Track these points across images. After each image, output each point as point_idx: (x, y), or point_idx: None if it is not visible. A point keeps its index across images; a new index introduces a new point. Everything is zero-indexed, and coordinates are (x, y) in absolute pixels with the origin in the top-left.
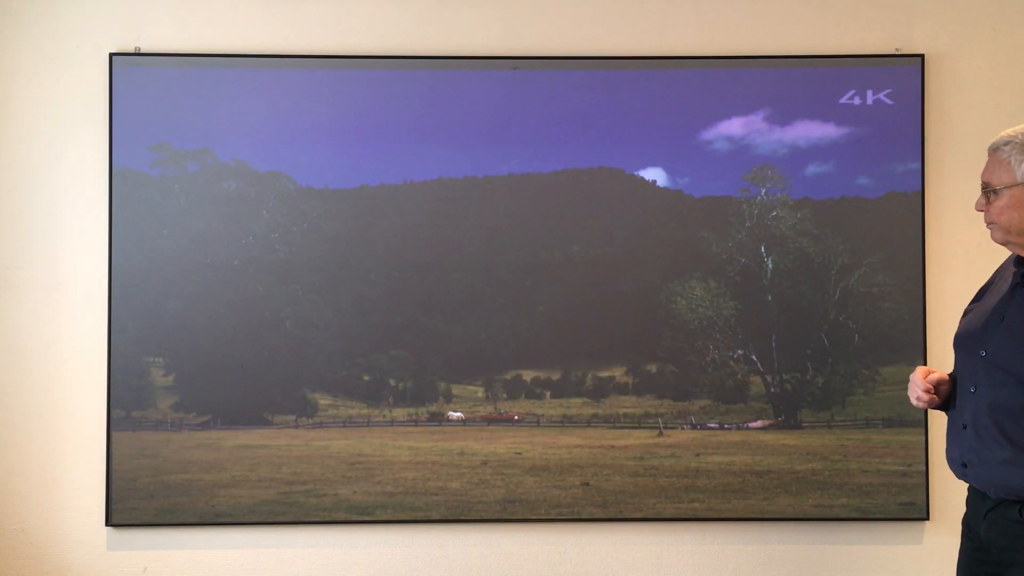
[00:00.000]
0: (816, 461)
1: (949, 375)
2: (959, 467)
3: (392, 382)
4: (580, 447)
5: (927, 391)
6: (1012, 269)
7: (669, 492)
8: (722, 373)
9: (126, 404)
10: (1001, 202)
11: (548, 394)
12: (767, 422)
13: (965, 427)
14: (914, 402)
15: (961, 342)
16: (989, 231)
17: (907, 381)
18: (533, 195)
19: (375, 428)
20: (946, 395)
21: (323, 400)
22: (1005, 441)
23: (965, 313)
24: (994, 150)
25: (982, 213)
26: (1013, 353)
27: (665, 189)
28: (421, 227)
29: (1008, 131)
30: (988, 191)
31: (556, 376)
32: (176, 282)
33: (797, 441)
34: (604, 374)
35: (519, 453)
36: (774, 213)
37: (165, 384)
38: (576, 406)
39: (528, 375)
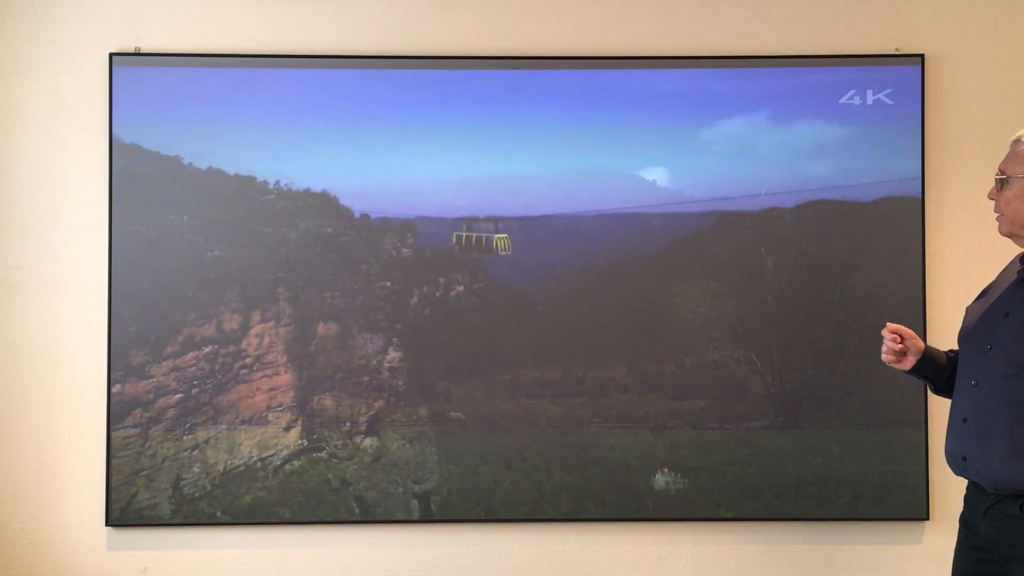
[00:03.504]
0: (816, 461)
1: (948, 352)
2: (958, 461)
3: (392, 382)
4: (580, 447)
5: (893, 340)
6: (1018, 266)
7: (670, 492)
8: (722, 373)
9: (126, 404)
10: (1011, 192)
11: (548, 394)
12: (767, 422)
13: (965, 421)
14: (884, 356)
15: (966, 337)
16: (997, 224)
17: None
18: (534, 196)
19: (375, 428)
20: (927, 359)
21: (324, 400)
22: (1008, 435)
23: (968, 311)
24: (1015, 142)
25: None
26: (1019, 347)
27: (666, 189)
28: (421, 227)
29: None
30: (1002, 180)
31: (556, 376)
32: (176, 282)
33: (797, 441)
34: (604, 374)
35: (519, 453)
36: (774, 213)
37: (165, 384)
38: (576, 406)
39: (528, 375)
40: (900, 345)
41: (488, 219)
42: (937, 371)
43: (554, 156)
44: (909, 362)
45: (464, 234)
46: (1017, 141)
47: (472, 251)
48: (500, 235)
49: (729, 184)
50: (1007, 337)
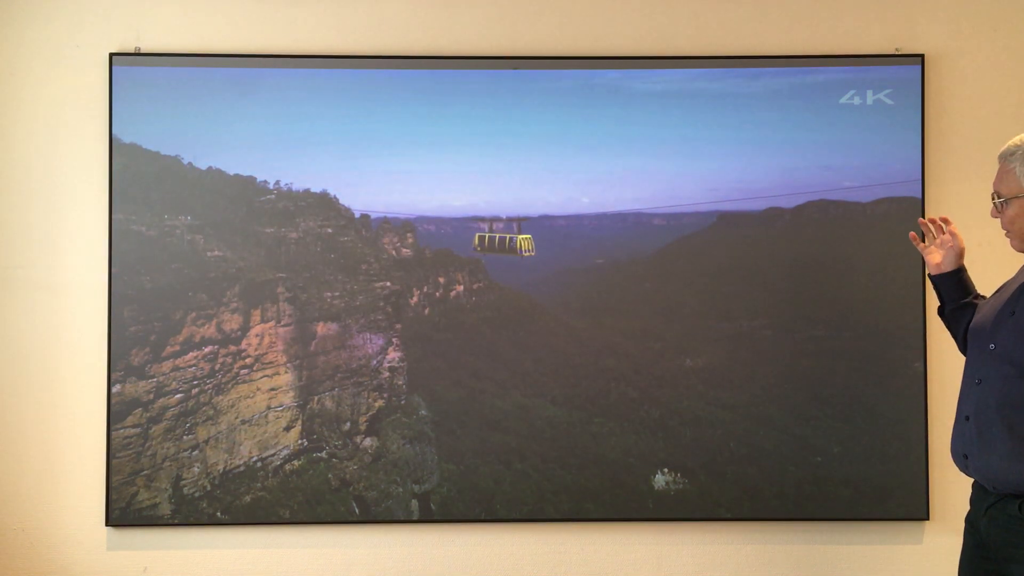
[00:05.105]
0: (816, 461)
1: (978, 294)
2: (960, 458)
3: (392, 382)
4: (580, 447)
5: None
6: None
7: (670, 492)
8: (722, 373)
9: (126, 404)
10: (1011, 211)
11: (548, 394)
12: (767, 421)
13: (968, 419)
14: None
15: (974, 334)
16: (1009, 241)
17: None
18: (534, 196)
19: (375, 428)
20: (956, 278)
21: (324, 400)
22: (1008, 435)
23: (980, 307)
24: (1002, 159)
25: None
26: (1021, 348)
27: (666, 189)
28: (421, 227)
29: (1015, 139)
30: (998, 200)
31: (556, 376)
32: (176, 282)
33: (797, 441)
34: (604, 374)
35: (519, 453)
36: (774, 213)
37: (165, 384)
38: (576, 406)
39: (528, 375)
40: (925, 225)
41: (512, 219)
42: (956, 295)
43: (553, 156)
44: (935, 263)
45: (487, 235)
46: (1004, 158)
47: (495, 252)
48: (524, 236)
49: (729, 184)
50: (1011, 338)
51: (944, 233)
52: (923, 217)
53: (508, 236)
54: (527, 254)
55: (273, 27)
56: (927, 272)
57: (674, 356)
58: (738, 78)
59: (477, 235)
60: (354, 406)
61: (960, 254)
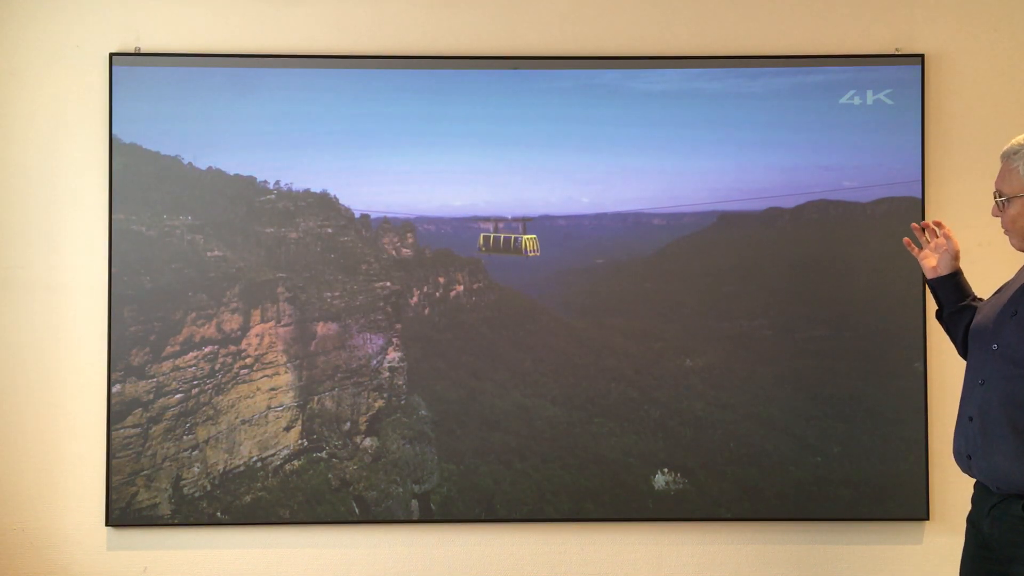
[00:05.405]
0: (816, 461)
1: (975, 297)
2: (964, 459)
3: (392, 382)
4: (580, 447)
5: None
6: None
7: (670, 492)
8: (722, 373)
9: (126, 404)
10: (1013, 211)
11: (548, 394)
12: (767, 422)
13: (971, 419)
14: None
15: (975, 335)
16: (1009, 239)
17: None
18: (534, 196)
19: (375, 428)
20: (952, 281)
21: (324, 400)
22: (1012, 435)
23: (981, 308)
24: (1005, 158)
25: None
26: (1023, 348)
27: (666, 189)
28: (421, 227)
29: (1018, 138)
30: (1000, 199)
31: (556, 376)
32: (176, 282)
33: (797, 441)
34: (604, 374)
35: (519, 453)
36: (774, 213)
37: (165, 384)
38: (576, 406)
39: (528, 375)
40: (918, 230)
41: (517, 219)
42: (953, 298)
43: (553, 156)
44: (931, 267)
45: (492, 235)
46: (1007, 157)
47: (499, 252)
48: (528, 236)
49: (729, 184)
50: (1013, 338)
51: (938, 237)
52: (923, 218)
53: (513, 236)
54: (532, 254)
55: (273, 27)
56: (924, 276)
57: (674, 356)
58: (738, 78)
59: (482, 235)
60: (354, 406)
61: (955, 257)
